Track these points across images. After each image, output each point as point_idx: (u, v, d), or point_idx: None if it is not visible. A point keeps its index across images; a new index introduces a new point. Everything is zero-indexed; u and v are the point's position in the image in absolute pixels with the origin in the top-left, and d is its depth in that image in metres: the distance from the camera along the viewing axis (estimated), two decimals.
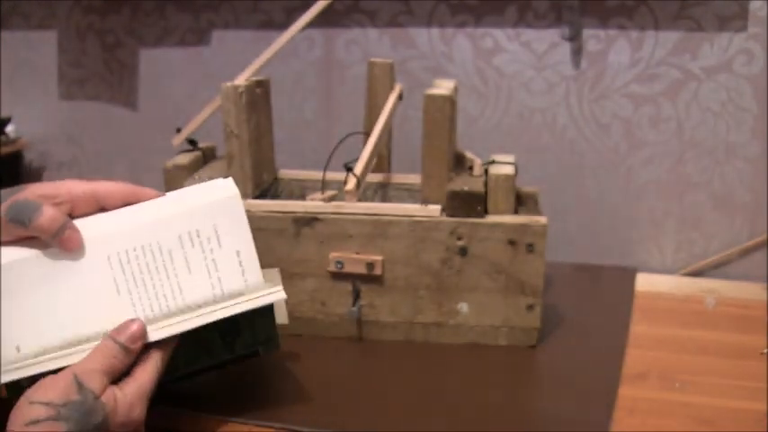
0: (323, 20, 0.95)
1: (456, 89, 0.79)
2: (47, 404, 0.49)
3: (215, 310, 0.58)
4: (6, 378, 0.53)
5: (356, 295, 0.76)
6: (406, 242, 0.73)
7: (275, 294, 0.60)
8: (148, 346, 0.56)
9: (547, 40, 0.98)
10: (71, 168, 1.25)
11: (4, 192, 0.57)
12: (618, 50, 0.96)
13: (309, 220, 0.74)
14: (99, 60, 1.18)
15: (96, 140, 1.22)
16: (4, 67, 1.22)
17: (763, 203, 0.96)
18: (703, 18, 0.92)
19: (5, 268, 0.55)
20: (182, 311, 0.58)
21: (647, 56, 0.95)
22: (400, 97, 0.86)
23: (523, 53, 1.00)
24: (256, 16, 1.08)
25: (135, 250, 0.57)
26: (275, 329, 0.62)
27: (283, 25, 1.04)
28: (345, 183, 0.73)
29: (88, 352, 0.54)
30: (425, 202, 0.74)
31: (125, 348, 0.54)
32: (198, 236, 0.59)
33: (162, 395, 0.57)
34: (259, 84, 0.80)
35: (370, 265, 0.74)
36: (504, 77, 1.01)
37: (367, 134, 0.81)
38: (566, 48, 0.98)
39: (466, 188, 0.72)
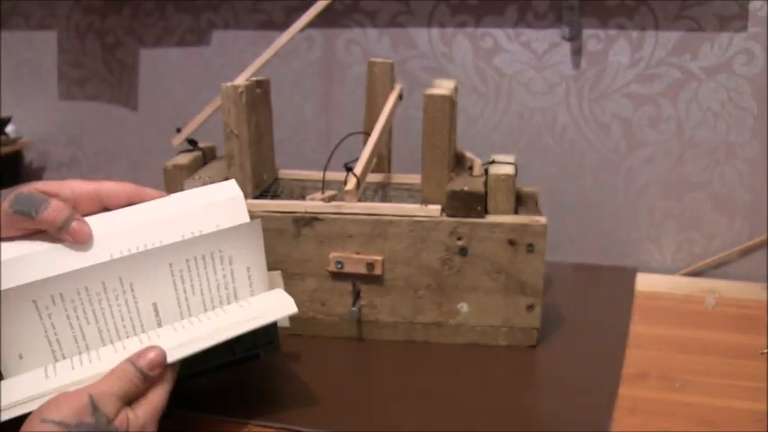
0: (323, 20, 0.95)
1: (456, 89, 0.79)
2: (59, 423, 0.48)
3: (230, 328, 0.57)
4: (6, 416, 0.51)
5: (356, 295, 0.76)
6: (406, 242, 0.73)
7: (287, 308, 0.59)
8: None
9: (547, 40, 0.98)
10: (71, 168, 1.25)
11: (4, 192, 0.57)
12: (618, 50, 0.96)
13: (309, 220, 0.74)
14: (99, 60, 1.18)
15: (96, 140, 1.22)
16: (4, 67, 1.22)
17: (763, 203, 0.96)
18: (703, 18, 0.92)
19: (6, 265, 0.54)
20: (185, 310, 0.58)
21: (647, 56, 0.95)
22: (400, 97, 0.86)
23: (523, 53, 1.00)
24: (256, 16, 1.08)
25: (137, 249, 0.57)
26: (276, 332, 0.62)
27: (283, 25, 1.04)
28: (345, 183, 0.73)
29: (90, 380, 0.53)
30: (425, 202, 0.74)
31: (143, 374, 0.53)
32: (200, 234, 0.59)
33: None
34: (259, 84, 0.80)
35: (370, 265, 0.74)
36: (504, 77, 1.01)
37: (367, 134, 0.81)
38: (566, 48, 0.98)
39: (466, 188, 0.72)
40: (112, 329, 0.57)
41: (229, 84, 0.73)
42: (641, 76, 0.96)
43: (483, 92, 1.03)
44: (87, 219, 0.57)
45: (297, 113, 1.11)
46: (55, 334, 0.55)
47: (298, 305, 0.76)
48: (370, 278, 0.75)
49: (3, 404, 0.50)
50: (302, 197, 0.81)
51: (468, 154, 0.81)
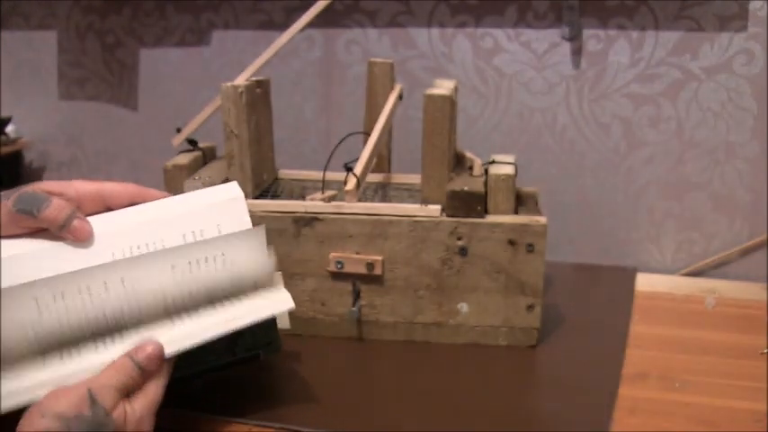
0: (323, 20, 0.95)
1: (456, 89, 0.79)
2: (57, 416, 0.48)
3: (227, 322, 0.57)
4: (7, 405, 0.51)
5: (356, 295, 0.76)
6: (406, 242, 0.73)
7: (284, 304, 0.59)
8: None
9: (547, 40, 0.98)
10: (71, 168, 1.25)
11: (5, 193, 0.57)
12: (618, 50, 0.96)
13: (309, 220, 0.74)
14: (99, 60, 1.18)
15: (96, 140, 1.22)
16: (4, 67, 1.22)
17: (763, 203, 0.96)
18: (703, 18, 0.92)
19: (8, 262, 0.55)
20: (184, 308, 0.58)
21: (647, 56, 0.95)
22: (400, 97, 0.86)
23: (523, 53, 1.00)
24: (256, 16, 1.08)
25: (139, 248, 0.58)
26: (277, 332, 0.62)
27: (283, 25, 1.04)
28: (345, 183, 0.73)
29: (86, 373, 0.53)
30: (425, 202, 0.74)
31: (141, 368, 0.53)
32: (201, 235, 0.59)
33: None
34: (259, 84, 0.80)
35: (370, 265, 0.74)
36: (504, 77, 1.01)
37: (367, 134, 0.81)
38: (566, 48, 0.98)
39: (466, 188, 0.72)
40: (113, 326, 0.57)
41: (229, 84, 0.73)
42: (641, 76, 0.96)
43: (483, 92, 1.02)
44: (90, 218, 0.58)
45: (297, 113, 1.11)
46: (56, 330, 0.55)
47: (297, 305, 0.76)
48: (370, 278, 0.75)
49: (3, 392, 0.51)
50: (302, 197, 0.81)
51: (468, 154, 0.81)
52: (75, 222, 0.56)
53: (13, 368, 0.54)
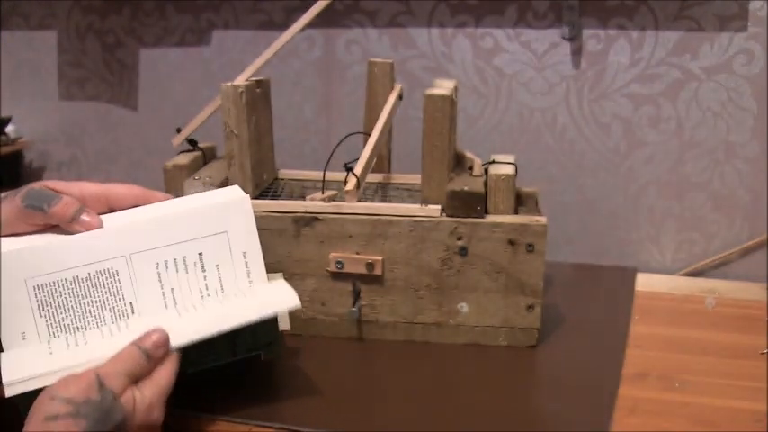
0: (323, 20, 0.95)
1: (456, 89, 0.78)
2: (67, 401, 0.49)
3: (233, 317, 0.58)
4: (13, 392, 0.53)
5: (356, 295, 0.76)
6: (406, 242, 0.73)
7: (290, 301, 0.60)
8: None
9: (547, 40, 0.98)
10: (71, 168, 1.25)
11: (5, 194, 0.58)
12: (618, 50, 0.96)
13: (309, 220, 0.74)
14: (99, 60, 1.18)
15: (96, 140, 1.22)
16: (4, 67, 1.22)
17: (763, 203, 0.96)
18: (703, 18, 0.92)
19: (10, 256, 0.55)
20: (188, 305, 0.59)
21: (647, 56, 0.95)
22: (400, 97, 0.86)
23: (523, 53, 1.00)
24: (256, 16, 1.08)
25: (143, 245, 0.59)
26: (277, 333, 0.62)
27: (283, 25, 1.04)
28: (345, 183, 0.73)
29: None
30: (425, 202, 0.74)
31: (148, 355, 0.55)
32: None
33: None
34: (259, 84, 0.80)
35: (370, 265, 0.74)
36: (504, 77, 1.01)
37: (367, 134, 0.81)
38: (566, 48, 0.98)
39: (466, 188, 0.72)
40: (118, 310, 0.58)
41: (229, 84, 0.73)
42: (641, 76, 0.96)
43: (483, 92, 1.02)
44: None
45: (297, 113, 1.11)
46: (60, 318, 0.57)
47: None
48: (370, 278, 0.75)
49: (10, 379, 0.52)
50: (302, 197, 0.81)
51: (468, 154, 0.81)
52: (85, 215, 0.58)
53: (18, 350, 0.55)
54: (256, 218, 0.68)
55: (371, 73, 0.86)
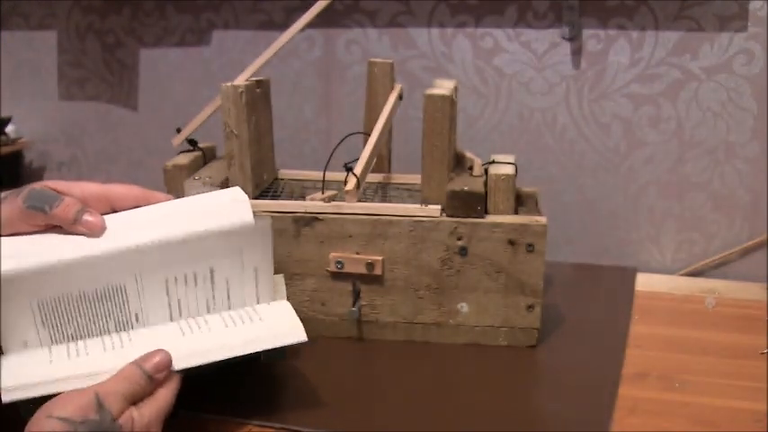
0: (323, 20, 0.95)
1: (456, 89, 0.78)
2: (64, 420, 0.49)
3: (238, 346, 0.58)
4: (9, 398, 0.52)
5: (356, 295, 0.76)
6: (406, 242, 0.73)
7: (296, 336, 0.60)
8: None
9: (547, 40, 0.98)
10: (71, 168, 1.25)
11: (5, 193, 0.57)
12: (618, 50, 0.96)
13: (309, 220, 0.74)
14: (99, 60, 1.18)
15: (96, 140, 1.22)
16: (4, 67, 1.22)
17: (763, 203, 0.96)
18: (703, 18, 0.92)
19: (16, 278, 0.54)
20: (194, 322, 0.59)
21: (647, 56, 0.95)
22: (400, 97, 0.86)
23: (523, 53, 1.00)
24: (256, 16, 1.08)
25: (145, 246, 0.58)
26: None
27: (283, 25, 1.04)
28: (345, 183, 0.73)
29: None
30: (425, 202, 0.74)
31: (149, 377, 0.54)
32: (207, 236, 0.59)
33: None
34: (259, 84, 0.80)
35: (370, 265, 0.74)
36: (504, 77, 1.01)
37: (367, 134, 0.81)
38: (566, 48, 0.98)
39: (466, 188, 0.72)
40: (122, 321, 0.58)
41: (229, 84, 0.73)
42: (641, 76, 0.96)
43: (483, 92, 1.02)
44: None
45: (297, 113, 1.11)
46: (62, 327, 0.57)
47: (297, 305, 0.76)
48: (370, 278, 0.75)
49: (8, 386, 0.52)
50: (302, 197, 0.81)
51: (468, 154, 0.81)
52: (87, 216, 0.57)
53: (19, 357, 0.54)
54: (267, 217, 0.68)
55: (371, 73, 0.86)
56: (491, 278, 0.74)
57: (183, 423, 0.62)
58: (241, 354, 0.58)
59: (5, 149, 1.18)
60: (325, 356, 0.74)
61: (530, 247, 0.72)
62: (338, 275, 0.75)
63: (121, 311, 0.58)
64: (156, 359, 0.55)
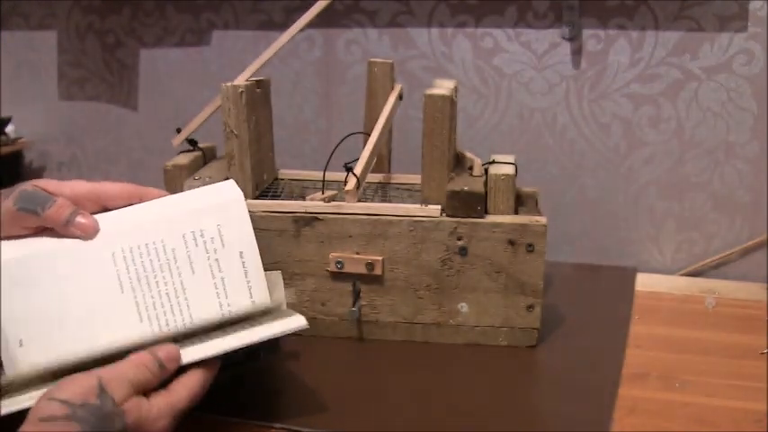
0: (323, 20, 0.95)
1: (456, 89, 0.78)
2: (64, 402, 0.48)
3: (241, 333, 0.58)
4: (6, 410, 0.51)
5: (356, 295, 0.76)
6: (406, 242, 0.73)
7: (297, 322, 0.59)
8: (188, 369, 0.56)
9: (547, 40, 0.98)
10: (71, 168, 1.25)
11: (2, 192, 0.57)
12: (618, 50, 0.96)
13: (309, 220, 0.74)
14: (99, 60, 1.18)
15: (96, 140, 1.22)
16: (4, 67, 1.22)
17: (763, 203, 0.96)
18: (703, 18, 0.92)
19: (9, 264, 0.55)
20: (183, 314, 0.58)
21: (647, 56, 0.95)
22: (400, 97, 0.86)
23: (523, 53, 1.00)
24: (256, 16, 1.08)
25: (139, 248, 0.58)
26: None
27: (283, 25, 1.04)
28: (345, 183, 0.73)
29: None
30: (425, 202, 0.74)
31: (161, 365, 0.53)
32: (202, 236, 0.59)
33: None
34: (259, 84, 0.80)
35: (370, 265, 0.74)
36: (504, 77, 1.01)
37: (367, 134, 0.81)
38: (566, 48, 0.98)
39: (466, 188, 0.72)
40: (116, 303, 0.57)
41: (229, 84, 0.73)
42: (641, 76, 0.96)
43: (483, 92, 1.02)
44: None
45: (297, 113, 1.11)
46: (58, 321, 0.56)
47: (297, 305, 0.76)
48: (370, 278, 0.75)
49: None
50: (302, 197, 0.81)
51: (468, 154, 0.81)
52: (79, 218, 0.56)
53: (14, 359, 0.54)
54: (257, 218, 0.68)
55: (371, 73, 0.86)
56: (491, 278, 0.74)
57: (182, 423, 0.62)
58: (248, 342, 0.57)
59: (5, 149, 1.18)
60: (325, 356, 0.74)
61: (530, 247, 0.72)
62: (338, 275, 0.75)
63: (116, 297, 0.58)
64: (169, 348, 0.55)
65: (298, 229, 0.74)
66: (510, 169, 0.75)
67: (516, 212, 0.75)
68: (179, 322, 0.58)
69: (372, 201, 0.81)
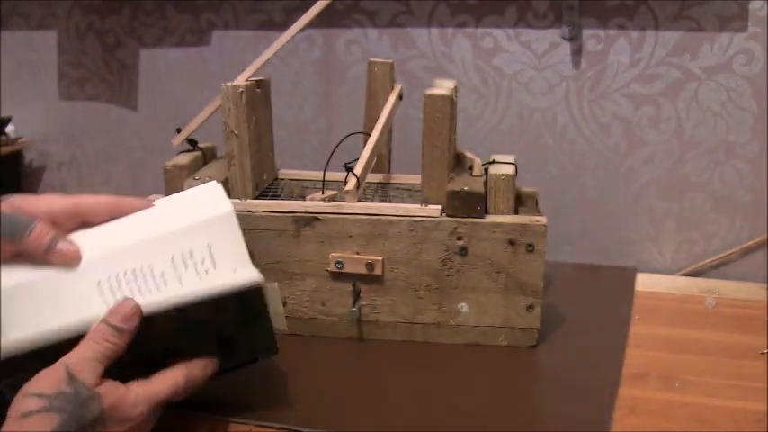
0: (323, 20, 0.95)
1: (456, 89, 0.79)
2: (38, 396, 0.48)
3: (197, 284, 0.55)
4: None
5: (356, 295, 0.76)
6: (406, 242, 0.73)
7: (249, 276, 0.56)
8: (173, 363, 0.55)
9: (547, 40, 0.98)
10: (71, 168, 1.25)
11: None
12: (618, 50, 0.96)
13: (309, 220, 0.74)
14: (99, 60, 1.18)
15: (96, 140, 1.22)
16: (4, 67, 1.22)
17: (763, 203, 0.96)
18: (703, 18, 0.92)
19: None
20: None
21: (647, 56, 0.95)
22: (400, 97, 0.86)
23: (523, 53, 1.00)
24: (256, 16, 1.08)
25: (126, 274, 0.55)
26: (273, 336, 0.61)
27: (283, 25, 1.04)
28: (345, 183, 0.73)
29: None
30: (425, 202, 0.74)
31: (117, 329, 0.52)
32: (191, 257, 0.56)
33: None
34: (259, 84, 0.80)
35: (370, 265, 0.74)
36: (504, 77, 1.01)
37: (367, 134, 0.81)
38: (566, 48, 0.98)
39: (466, 188, 0.72)
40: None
41: (229, 84, 0.73)
42: (641, 76, 0.96)
43: (483, 92, 1.02)
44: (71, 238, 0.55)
45: (297, 113, 1.11)
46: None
47: (297, 305, 0.76)
48: (370, 278, 0.75)
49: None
50: (302, 197, 0.81)
51: (468, 154, 0.81)
52: (61, 244, 0.54)
53: None
54: (257, 218, 0.67)
55: (371, 73, 0.86)
56: (491, 278, 0.74)
57: (183, 423, 0.62)
58: (193, 293, 0.55)
59: (5, 149, 1.18)
60: (325, 356, 0.74)
61: (530, 247, 0.72)
62: (338, 275, 0.75)
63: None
64: (123, 309, 0.53)
65: (298, 229, 0.74)
66: (510, 169, 0.75)
67: (516, 212, 0.75)
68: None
69: (372, 201, 0.81)
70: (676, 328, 0.81)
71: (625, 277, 0.96)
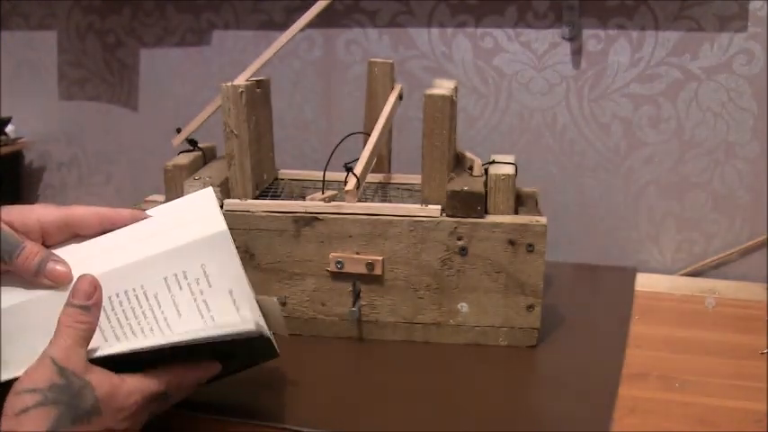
0: (323, 20, 0.95)
1: (456, 89, 0.78)
2: (32, 391, 0.48)
3: (187, 334, 0.54)
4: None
5: (356, 295, 0.76)
6: (406, 242, 0.73)
7: (246, 325, 0.54)
8: (172, 362, 0.54)
9: (547, 40, 0.98)
10: (71, 168, 1.25)
11: None
12: (618, 50, 0.96)
13: (309, 220, 0.74)
14: (99, 60, 1.18)
15: (96, 140, 1.22)
16: (4, 67, 1.22)
17: (763, 203, 0.96)
18: (703, 18, 0.92)
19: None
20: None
21: (647, 56, 0.95)
22: (400, 97, 0.86)
23: (523, 53, 1.00)
24: (256, 16, 1.08)
25: (118, 296, 0.54)
26: (273, 345, 0.60)
27: (283, 25, 1.04)
28: (345, 183, 0.73)
29: None
30: (425, 202, 0.74)
31: (84, 307, 0.51)
32: (185, 277, 0.55)
33: None
34: (259, 84, 0.80)
35: (370, 265, 0.74)
36: (504, 77, 1.01)
37: (367, 134, 0.81)
38: (566, 48, 0.98)
39: (466, 188, 0.72)
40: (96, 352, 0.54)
41: (229, 84, 0.73)
42: (641, 76, 0.96)
43: (483, 92, 1.02)
44: (62, 252, 0.55)
45: (297, 113, 1.11)
46: None
47: (297, 305, 0.76)
48: (370, 278, 0.75)
49: None
50: (302, 197, 0.81)
51: (468, 154, 0.81)
52: (51, 265, 0.53)
53: None
54: (257, 218, 0.67)
55: (371, 73, 0.86)
56: (491, 278, 0.74)
57: (183, 423, 0.62)
58: (188, 339, 0.53)
59: (5, 149, 1.18)
60: (325, 356, 0.74)
61: (530, 247, 0.72)
62: (338, 275, 0.75)
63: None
64: (82, 287, 0.52)
65: (298, 229, 0.74)
66: (510, 169, 0.75)
67: (516, 212, 0.75)
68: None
69: (372, 201, 0.81)
70: (676, 328, 0.81)
71: (625, 277, 0.96)
